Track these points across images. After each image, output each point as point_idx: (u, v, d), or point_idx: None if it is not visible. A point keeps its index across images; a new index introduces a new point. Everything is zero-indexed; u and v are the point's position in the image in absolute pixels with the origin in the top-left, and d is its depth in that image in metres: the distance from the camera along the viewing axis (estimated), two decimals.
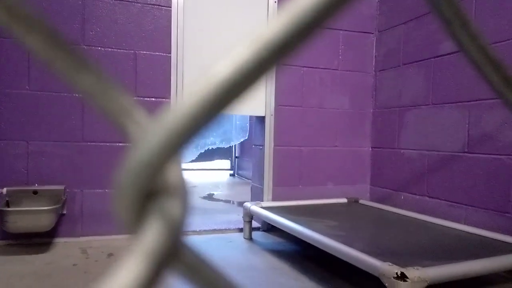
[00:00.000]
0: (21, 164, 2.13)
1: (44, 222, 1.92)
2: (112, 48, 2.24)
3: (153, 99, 2.31)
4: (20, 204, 2.06)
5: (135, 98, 2.28)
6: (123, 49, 2.25)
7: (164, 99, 2.33)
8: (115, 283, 0.15)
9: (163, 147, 0.16)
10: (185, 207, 0.18)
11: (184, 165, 6.01)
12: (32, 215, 1.89)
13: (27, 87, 2.12)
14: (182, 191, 0.18)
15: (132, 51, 2.27)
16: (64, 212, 2.19)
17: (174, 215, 0.17)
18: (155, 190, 0.17)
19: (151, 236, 0.16)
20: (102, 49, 2.22)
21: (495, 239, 1.74)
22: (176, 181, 0.18)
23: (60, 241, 2.20)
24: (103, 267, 1.80)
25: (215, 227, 2.55)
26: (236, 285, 0.20)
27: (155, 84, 2.31)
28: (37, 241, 2.17)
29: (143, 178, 0.16)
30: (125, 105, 0.19)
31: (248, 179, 5.58)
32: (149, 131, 0.16)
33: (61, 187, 2.14)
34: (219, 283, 0.20)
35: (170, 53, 2.33)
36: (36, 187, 2.12)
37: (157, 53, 2.31)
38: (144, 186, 0.16)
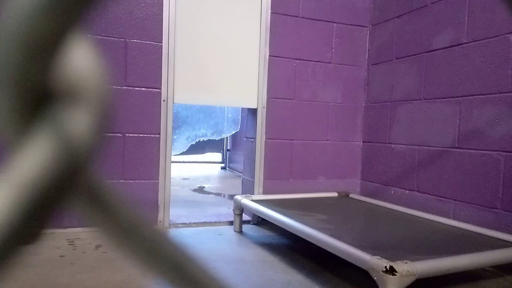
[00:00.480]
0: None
1: None
2: (102, 35, 2.19)
3: (143, 88, 2.27)
4: None
5: (125, 87, 2.24)
6: (113, 37, 2.21)
7: (155, 89, 2.29)
8: None
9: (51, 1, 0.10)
10: (94, 118, 0.12)
11: (174, 157, 5.98)
12: None
13: None
14: (90, 93, 0.12)
15: (123, 39, 2.23)
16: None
17: (74, 129, 0.12)
18: (46, 89, 0.12)
19: (33, 157, 0.11)
20: (92, 36, 2.18)
21: (483, 234, 1.75)
22: (82, 76, 0.12)
23: (47, 232, 2.16)
24: (90, 258, 1.78)
25: (206, 220, 2.54)
26: (146, 222, 0.16)
27: (145, 73, 2.27)
28: None
29: (23, 66, 0.11)
30: None
31: (239, 172, 5.57)
32: None
33: None
34: (130, 221, 0.15)
35: (162, 42, 2.29)
36: None
37: (148, 42, 2.27)
38: (26, 80, 0.11)
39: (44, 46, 0.11)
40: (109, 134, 2.21)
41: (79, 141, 0.12)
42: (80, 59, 0.12)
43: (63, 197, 0.13)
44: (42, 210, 0.12)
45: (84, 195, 0.14)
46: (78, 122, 0.12)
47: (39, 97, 0.12)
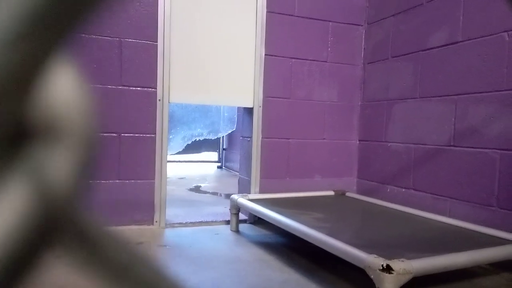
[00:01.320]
0: None
1: None
2: (96, 35, 2.18)
3: (138, 88, 2.26)
4: None
5: (120, 87, 2.23)
6: (108, 36, 2.20)
7: (150, 89, 2.28)
8: None
9: (24, 30, 0.09)
10: (79, 159, 0.11)
11: (170, 157, 5.96)
12: None
13: None
14: (75, 131, 0.11)
15: (117, 39, 2.21)
16: None
17: (54, 171, 0.10)
18: (22, 126, 0.10)
19: (8, 206, 0.10)
20: (86, 35, 2.16)
21: (479, 232, 1.76)
22: (64, 109, 0.10)
23: None
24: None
25: (202, 219, 2.53)
26: (140, 261, 0.15)
27: (141, 73, 2.26)
28: None
29: None
30: None
31: (235, 171, 5.56)
32: None
33: None
34: (123, 261, 0.14)
35: (157, 42, 2.28)
36: None
37: (143, 41, 2.26)
38: (2, 117, 0.09)
39: (20, 77, 0.09)
40: (105, 134, 2.19)
41: (60, 185, 0.10)
42: (62, 89, 0.11)
43: (44, 247, 0.11)
44: (22, 265, 0.11)
45: (71, 241, 0.12)
46: (58, 163, 0.10)
47: (15, 134, 0.10)
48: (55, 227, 0.11)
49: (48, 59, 0.10)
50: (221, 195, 3.63)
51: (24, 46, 0.09)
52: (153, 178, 2.31)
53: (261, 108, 2.55)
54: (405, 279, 1.24)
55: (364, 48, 2.82)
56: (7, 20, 0.09)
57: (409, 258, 1.30)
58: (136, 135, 2.27)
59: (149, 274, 0.14)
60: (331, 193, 2.64)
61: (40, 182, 0.10)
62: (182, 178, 4.78)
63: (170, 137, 5.09)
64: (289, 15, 2.59)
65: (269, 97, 2.57)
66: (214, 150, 6.60)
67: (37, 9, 0.09)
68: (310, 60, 2.67)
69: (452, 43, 2.12)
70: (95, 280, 0.13)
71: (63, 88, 0.11)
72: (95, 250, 0.13)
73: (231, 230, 2.36)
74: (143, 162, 2.28)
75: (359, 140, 2.86)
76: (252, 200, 2.26)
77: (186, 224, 2.44)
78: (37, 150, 0.10)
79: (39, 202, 0.10)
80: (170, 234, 2.23)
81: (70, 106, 0.11)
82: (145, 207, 2.30)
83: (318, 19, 2.68)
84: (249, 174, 2.59)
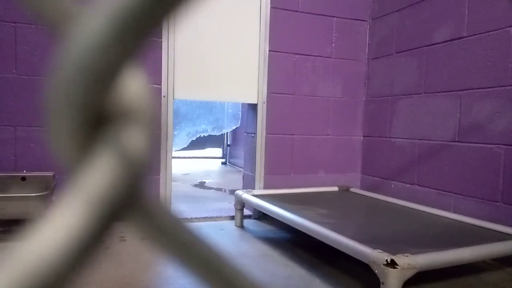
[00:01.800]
0: (9, 150, 2.09)
1: (33, 208, 1.89)
2: None
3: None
4: (8, 191, 2.03)
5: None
6: None
7: (155, 85, 2.29)
8: (47, 236, 0.11)
9: (112, 38, 0.12)
10: (147, 138, 0.13)
11: (174, 153, 5.99)
12: (20, 202, 1.86)
13: (14, 71, 2.07)
14: (143, 115, 0.13)
15: None
16: (54, 198, 2.17)
17: (132, 148, 0.13)
18: (106, 112, 0.12)
19: (98, 175, 0.12)
20: None
21: (484, 227, 1.76)
22: (136, 101, 0.13)
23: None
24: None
25: (207, 215, 2.55)
26: (205, 241, 0.17)
27: (146, 69, 2.27)
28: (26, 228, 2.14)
29: (86, 92, 0.12)
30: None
31: (240, 167, 5.57)
32: (88, 17, 0.12)
33: (50, 174, 2.11)
34: (183, 238, 0.16)
35: (161, 38, 2.29)
36: (24, 173, 2.08)
37: (151, 37, 2.27)
38: (88, 104, 0.12)
39: (104, 74, 0.12)
40: None
41: (138, 159, 0.13)
42: (133, 85, 0.14)
43: (126, 212, 0.13)
44: (109, 225, 0.12)
45: (142, 210, 0.14)
46: (136, 141, 0.13)
47: (100, 119, 0.12)
48: (132, 195, 0.13)
49: (128, 60, 0.12)
50: (225, 191, 3.65)
51: (112, 49, 0.12)
52: (158, 174, 2.33)
53: (265, 104, 2.55)
54: (409, 274, 1.25)
55: (368, 44, 2.82)
56: (100, 26, 0.12)
57: (413, 253, 1.30)
58: None
59: (210, 254, 0.16)
60: (335, 188, 2.64)
61: (122, 155, 0.12)
62: (186, 174, 4.81)
63: (175, 133, 5.11)
64: (293, 10, 2.59)
65: (273, 93, 2.57)
66: (218, 146, 6.62)
67: (125, 17, 0.12)
68: (314, 56, 2.67)
69: (457, 38, 2.11)
70: (160, 253, 0.15)
71: (135, 85, 0.13)
72: (162, 226, 0.15)
73: (235, 225, 2.37)
74: None
75: (363, 136, 2.85)
76: (256, 196, 2.27)
77: (191, 220, 2.46)
78: (118, 131, 0.13)
79: (122, 171, 0.12)
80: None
81: (140, 99, 0.13)
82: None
83: (322, 15, 2.67)
84: (253, 170, 2.60)
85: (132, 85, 0.13)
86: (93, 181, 0.12)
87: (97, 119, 0.12)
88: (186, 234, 0.16)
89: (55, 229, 0.12)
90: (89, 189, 0.12)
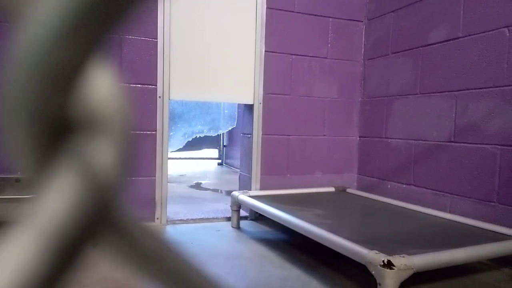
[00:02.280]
0: (2, 151, 2.07)
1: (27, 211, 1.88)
2: None
3: (139, 85, 2.26)
4: (2, 192, 2.01)
5: (120, 84, 2.22)
6: None
7: (150, 86, 2.28)
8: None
9: (71, 28, 0.09)
10: (118, 150, 0.11)
11: (170, 154, 5.97)
12: (14, 204, 1.85)
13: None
14: (113, 122, 0.11)
15: (117, 36, 2.21)
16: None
17: (99, 163, 0.10)
18: (67, 120, 0.10)
19: (58, 198, 0.10)
20: None
21: (480, 227, 1.76)
22: (104, 105, 0.11)
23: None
24: (88, 256, 1.77)
25: (203, 216, 2.54)
26: (191, 263, 0.16)
27: (141, 70, 2.26)
28: None
29: (41, 96, 0.09)
30: None
31: (236, 168, 5.56)
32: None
33: None
34: (166, 262, 0.14)
35: (157, 38, 2.28)
36: (18, 175, 2.06)
37: (143, 38, 2.26)
38: (44, 110, 0.09)
39: (63, 74, 0.10)
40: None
41: (105, 175, 0.11)
42: (100, 86, 0.11)
43: (93, 237, 0.11)
44: (72, 254, 0.10)
45: (115, 233, 0.12)
46: (102, 153, 0.11)
47: (60, 128, 0.10)
48: (100, 218, 0.11)
49: (88, 58, 0.10)
50: (221, 192, 3.64)
51: (68, 45, 0.09)
52: (154, 175, 2.31)
53: (261, 104, 2.55)
54: (406, 274, 1.24)
55: (364, 44, 2.82)
56: (52, 18, 0.09)
57: (410, 254, 1.30)
58: (137, 132, 2.27)
59: (184, 268, 0.15)
60: (332, 189, 2.64)
61: (87, 172, 0.10)
62: (182, 175, 4.79)
63: (171, 134, 5.09)
64: (289, 11, 2.59)
65: (269, 93, 2.57)
66: (214, 147, 6.60)
67: (80, 9, 0.09)
68: (310, 56, 2.67)
69: (452, 39, 2.11)
70: (134, 273, 0.14)
71: (101, 86, 0.11)
72: (133, 244, 0.13)
73: (232, 226, 2.36)
74: (144, 159, 2.29)
75: (359, 137, 2.86)
76: (253, 197, 2.26)
77: (187, 221, 2.44)
78: (81, 143, 0.10)
79: (87, 192, 0.10)
80: (171, 231, 2.24)
81: (108, 103, 0.11)
82: (146, 204, 2.31)
83: (318, 15, 2.67)
84: (249, 170, 2.59)
85: (98, 87, 0.11)
86: (52, 204, 0.10)
87: (56, 128, 0.10)
88: (172, 257, 0.14)
89: (9, 260, 0.10)
90: (47, 214, 0.10)
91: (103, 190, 0.11)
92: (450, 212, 2.08)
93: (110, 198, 0.11)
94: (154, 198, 2.32)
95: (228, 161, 6.17)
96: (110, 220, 0.12)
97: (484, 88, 1.93)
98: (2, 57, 0.10)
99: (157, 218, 2.34)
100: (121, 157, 0.11)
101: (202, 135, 5.41)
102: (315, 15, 2.66)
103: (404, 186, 2.43)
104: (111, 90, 0.12)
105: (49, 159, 0.10)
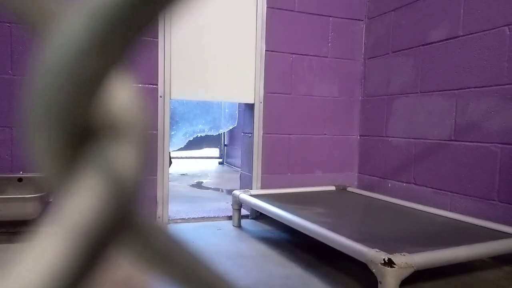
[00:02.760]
0: (5, 151, 2.08)
1: (30, 210, 1.89)
2: None
3: (140, 85, 2.27)
4: (5, 192, 2.02)
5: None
6: None
7: (151, 85, 2.29)
8: (27, 270, 0.10)
9: (97, 39, 0.10)
10: (139, 155, 0.11)
11: (172, 153, 5.97)
12: (17, 203, 1.86)
13: (9, 71, 2.06)
14: (134, 128, 0.12)
15: None
16: (51, 200, 2.16)
17: (121, 167, 0.11)
18: (91, 126, 0.11)
19: (83, 200, 0.10)
20: None
21: (480, 226, 1.77)
22: (126, 112, 0.11)
23: (46, 229, 2.16)
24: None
25: (204, 215, 2.54)
26: (205, 263, 0.17)
27: (142, 69, 2.27)
28: (23, 230, 2.14)
29: (68, 102, 0.10)
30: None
31: (237, 167, 5.57)
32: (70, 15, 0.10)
33: None
34: (182, 261, 0.15)
35: (158, 38, 2.29)
36: (21, 174, 2.07)
37: (144, 38, 2.26)
38: (71, 117, 0.10)
39: (88, 84, 0.10)
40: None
41: (128, 180, 0.11)
42: (121, 96, 0.12)
43: (117, 238, 0.12)
44: (98, 253, 0.11)
45: (135, 235, 0.13)
46: (125, 158, 0.11)
47: (84, 133, 0.11)
48: (122, 219, 0.11)
49: (112, 69, 0.11)
50: (223, 191, 3.65)
51: (95, 57, 0.10)
52: (156, 174, 2.32)
53: (262, 104, 2.55)
54: (406, 272, 1.25)
55: (364, 43, 2.82)
56: (81, 27, 0.10)
57: (410, 252, 1.31)
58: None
59: (196, 266, 0.15)
60: (333, 188, 2.65)
61: (109, 175, 0.11)
62: (184, 174, 4.80)
63: (172, 133, 5.10)
64: (290, 10, 2.59)
65: (270, 93, 2.57)
66: (215, 146, 6.61)
67: (108, 18, 0.10)
68: (311, 55, 2.67)
69: (453, 38, 2.12)
70: (149, 270, 0.14)
71: (123, 92, 0.12)
72: (148, 242, 0.14)
73: (233, 225, 2.37)
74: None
75: (360, 135, 2.86)
76: (254, 196, 2.27)
77: (188, 220, 2.45)
78: (104, 147, 0.11)
79: (110, 194, 0.11)
80: (172, 230, 2.25)
81: (129, 109, 0.11)
82: (147, 203, 2.32)
83: (319, 14, 2.67)
84: (250, 169, 2.60)
85: (121, 94, 0.11)
86: (78, 206, 0.10)
87: (81, 133, 0.10)
88: (184, 255, 0.15)
89: (38, 261, 0.10)
90: (74, 216, 0.10)
91: (125, 192, 0.11)
92: (451, 210, 2.08)
93: (131, 201, 0.12)
94: (156, 197, 2.33)
95: (229, 160, 6.18)
96: (130, 220, 0.12)
97: (485, 86, 1.94)
98: (35, 64, 0.11)
99: (159, 217, 2.35)
100: (140, 160, 0.12)
101: (203, 135, 5.41)
102: (316, 14, 2.66)
103: (404, 184, 2.43)
104: (131, 96, 0.12)
105: (75, 163, 0.11)
